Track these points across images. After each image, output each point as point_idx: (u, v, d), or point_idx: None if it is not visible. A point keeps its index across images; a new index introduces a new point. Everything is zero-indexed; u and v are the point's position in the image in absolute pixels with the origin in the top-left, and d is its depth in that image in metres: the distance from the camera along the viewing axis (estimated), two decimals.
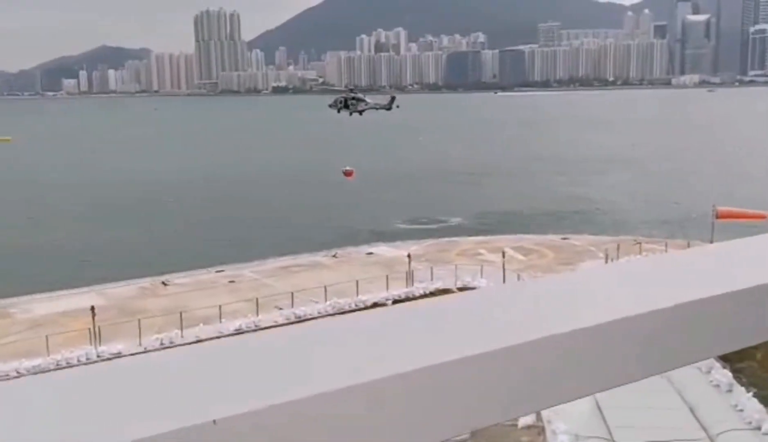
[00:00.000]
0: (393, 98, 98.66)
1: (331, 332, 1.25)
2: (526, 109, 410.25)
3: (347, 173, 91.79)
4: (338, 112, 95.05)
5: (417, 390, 1.11)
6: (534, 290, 1.46)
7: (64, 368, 48.10)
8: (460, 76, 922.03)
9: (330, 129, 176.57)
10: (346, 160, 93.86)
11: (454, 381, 1.12)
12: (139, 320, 48.44)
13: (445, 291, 56.43)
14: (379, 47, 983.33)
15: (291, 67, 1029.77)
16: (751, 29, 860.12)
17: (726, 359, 37.20)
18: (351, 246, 73.02)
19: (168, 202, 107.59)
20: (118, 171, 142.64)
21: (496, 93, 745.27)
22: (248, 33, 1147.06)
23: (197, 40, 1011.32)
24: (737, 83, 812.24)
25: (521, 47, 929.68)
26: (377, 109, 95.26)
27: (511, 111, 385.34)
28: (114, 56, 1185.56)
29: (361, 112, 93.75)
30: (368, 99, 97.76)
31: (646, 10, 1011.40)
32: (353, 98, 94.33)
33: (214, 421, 0.94)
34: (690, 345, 1.40)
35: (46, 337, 46.06)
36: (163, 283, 60.75)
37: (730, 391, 36.47)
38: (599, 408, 33.17)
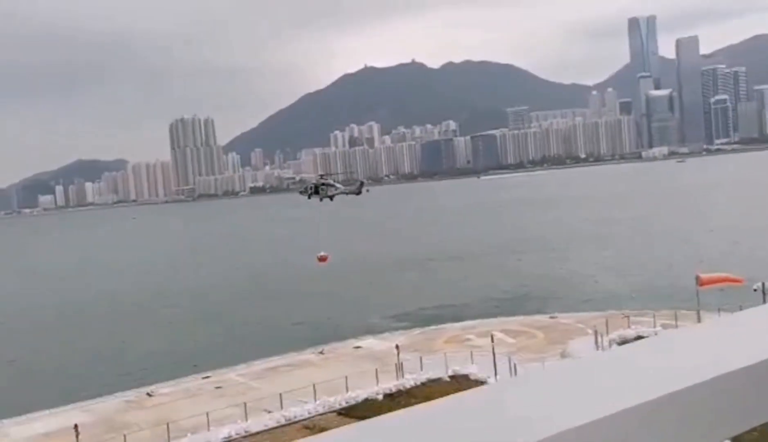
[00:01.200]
0: (362, 183, 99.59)
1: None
2: (505, 190, 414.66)
3: (321, 258, 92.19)
4: (309, 197, 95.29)
5: None
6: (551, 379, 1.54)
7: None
8: (435, 163, 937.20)
9: (306, 224, 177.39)
10: (323, 251, 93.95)
11: None
12: (124, 435, 46.98)
13: (436, 381, 55.53)
14: (353, 142, 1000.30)
15: (267, 167, 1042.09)
16: (712, 100, 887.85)
17: None
18: (337, 341, 71.99)
19: (148, 312, 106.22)
20: (96, 286, 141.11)
21: (479, 177, 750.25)
22: (223, 137, 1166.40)
23: (173, 148, 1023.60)
24: (704, 152, 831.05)
25: (492, 132, 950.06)
26: (347, 193, 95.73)
27: (489, 194, 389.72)
28: (90, 169, 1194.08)
29: (331, 197, 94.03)
30: (338, 184, 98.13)
31: (610, 89, 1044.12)
32: (323, 184, 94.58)
33: None
34: (703, 428, 1.43)
35: None
36: (148, 394, 59.31)
37: None
38: None
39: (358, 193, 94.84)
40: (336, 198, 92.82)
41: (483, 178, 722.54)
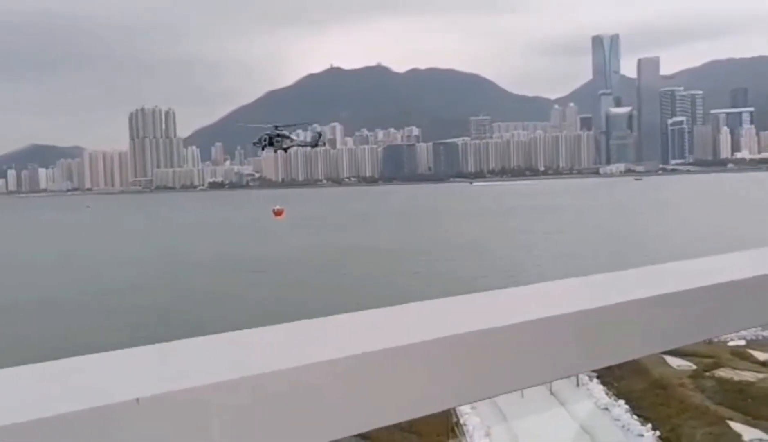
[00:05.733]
0: (319, 134, 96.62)
1: (277, 329, 1.45)
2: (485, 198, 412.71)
3: (277, 213, 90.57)
4: (262, 149, 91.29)
5: (350, 376, 1.26)
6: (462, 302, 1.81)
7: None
8: (396, 168, 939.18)
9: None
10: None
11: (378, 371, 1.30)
12: None
13: None
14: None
15: (227, 163, 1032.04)
16: (669, 121, 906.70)
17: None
18: None
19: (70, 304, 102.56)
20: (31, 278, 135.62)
21: (471, 183, 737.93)
22: (184, 130, 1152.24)
23: (132, 138, 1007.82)
24: (660, 171, 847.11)
25: (454, 140, 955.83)
26: (302, 146, 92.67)
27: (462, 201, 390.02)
28: (45, 155, 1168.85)
29: (286, 150, 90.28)
30: (293, 136, 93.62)
31: (572, 104, 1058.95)
32: (278, 135, 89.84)
33: (137, 399, 1.03)
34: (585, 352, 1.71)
35: None
36: None
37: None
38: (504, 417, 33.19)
39: (314, 146, 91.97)
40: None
41: (475, 184, 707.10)
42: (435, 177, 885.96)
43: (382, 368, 1.33)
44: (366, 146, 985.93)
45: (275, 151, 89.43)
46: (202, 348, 1.33)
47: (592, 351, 1.81)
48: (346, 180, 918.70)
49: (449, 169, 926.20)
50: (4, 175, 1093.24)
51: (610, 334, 1.83)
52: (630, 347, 1.90)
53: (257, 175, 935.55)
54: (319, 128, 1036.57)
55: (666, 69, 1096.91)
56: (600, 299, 1.90)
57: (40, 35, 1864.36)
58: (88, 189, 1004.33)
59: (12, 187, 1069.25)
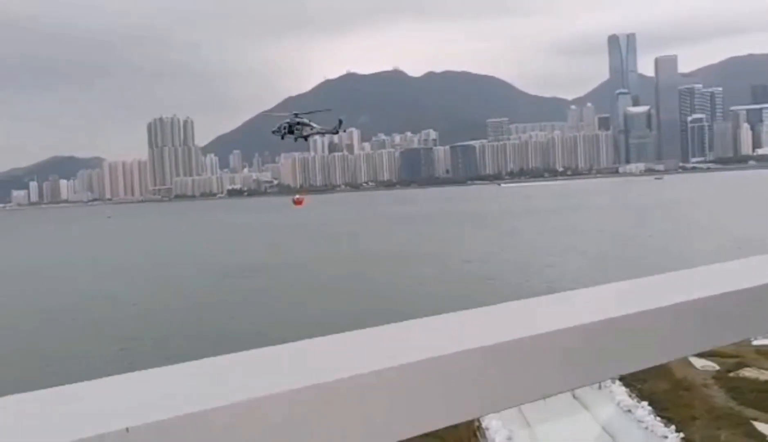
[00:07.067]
0: (341, 121, 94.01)
1: (271, 351, 1.41)
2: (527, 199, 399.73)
3: (297, 202, 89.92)
4: (282, 138, 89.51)
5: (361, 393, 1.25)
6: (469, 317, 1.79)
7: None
8: (414, 172, 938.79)
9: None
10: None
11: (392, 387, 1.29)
12: None
13: None
14: (333, 147, 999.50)
15: (246, 170, 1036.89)
16: (689, 118, 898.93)
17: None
18: None
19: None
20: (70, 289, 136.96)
21: (499, 185, 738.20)
22: (202, 138, 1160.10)
23: (151, 147, 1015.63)
24: (680, 170, 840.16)
25: (472, 142, 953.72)
26: (323, 133, 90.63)
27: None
28: (66, 166, 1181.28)
29: (306, 138, 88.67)
30: (314, 124, 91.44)
31: (589, 104, 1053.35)
32: (298, 123, 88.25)
33: (127, 429, 1.02)
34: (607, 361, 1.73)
35: None
36: None
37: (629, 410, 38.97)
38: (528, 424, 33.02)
39: (336, 132, 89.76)
40: None
41: (503, 186, 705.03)
42: (453, 180, 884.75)
43: (411, 380, 1.33)
44: (383, 151, 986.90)
45: (295, 139, 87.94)
46: (196, 372, 1.29)
47: (618, 358, 1.84)
48: (364, 185, 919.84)
49: (467, 171, 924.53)
50: (26, 187, 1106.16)
51: (636, 341, 1.85)
52: (656, 353, 1.93)
53: (275, 181, 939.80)
54: (336, 137, 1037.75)
55: (684, 67, 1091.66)
56: (625, 306, 1.91)
57: (58, 46, 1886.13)
58: (109, 199, 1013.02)
59: (34, 198, 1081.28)
